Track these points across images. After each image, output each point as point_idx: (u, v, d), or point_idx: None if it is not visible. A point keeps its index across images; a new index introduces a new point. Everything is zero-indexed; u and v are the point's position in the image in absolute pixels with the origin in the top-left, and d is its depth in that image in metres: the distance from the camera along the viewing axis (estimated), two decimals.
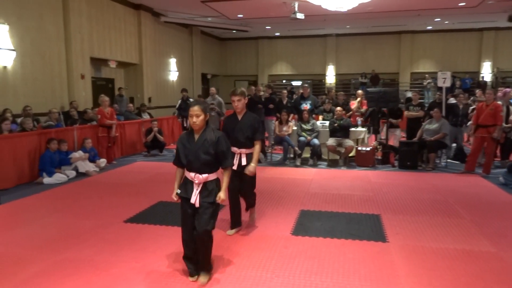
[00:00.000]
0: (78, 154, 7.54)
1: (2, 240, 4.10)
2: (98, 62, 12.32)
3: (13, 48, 8.82)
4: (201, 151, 3.08)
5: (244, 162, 4.10)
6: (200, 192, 3.09)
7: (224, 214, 4.51)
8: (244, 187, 4.23)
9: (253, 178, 4.23)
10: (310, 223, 4.60)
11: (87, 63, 11.11)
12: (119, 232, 4.31)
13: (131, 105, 12.05)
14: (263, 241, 4.03)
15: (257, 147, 4.14)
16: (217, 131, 3.20)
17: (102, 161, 8.15)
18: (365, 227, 4.48)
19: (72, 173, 7.20)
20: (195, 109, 3.07)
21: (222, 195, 3.13)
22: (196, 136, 3.15)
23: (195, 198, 3.08)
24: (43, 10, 9.66)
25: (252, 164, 4.04)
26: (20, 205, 5.49)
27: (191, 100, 12.92)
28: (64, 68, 10.42)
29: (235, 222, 4.32)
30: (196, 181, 3.09)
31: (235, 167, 3.99)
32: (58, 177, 6.90)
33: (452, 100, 9.77)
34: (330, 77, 20.77)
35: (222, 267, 3.44)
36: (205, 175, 3.10)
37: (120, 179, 7.07)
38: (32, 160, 6.97)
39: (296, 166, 8.17)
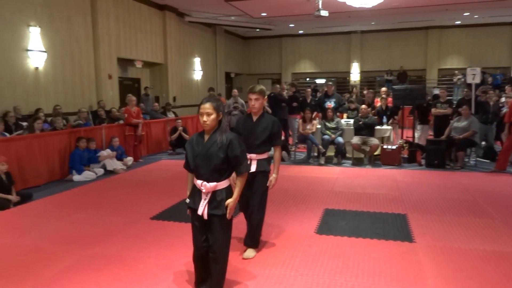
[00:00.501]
0: (106, 152, 7.74)
1: (35, 235, 4.27)
2: (124, 62, 12.60)
3: (44, 50, 9.13)
4: (210, 155, 2.70)
5: (253, 168, 3.53)
6: (208, 203, 2.72)
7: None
8: (251, 199, 3.58)
9: (264, 190, 3.61)
10: (334, 222, 4.57)
11: (114, 63, 11.38)
12: (145, 229, 4.40)
13: (156, 104, 12.28)
14: (287, 240, 4.03)
15: (277, 154, 3.69)
16: (230, 133, 2.79)
17: (129, 159, 8.34)
18: (391, 226, 4.41)
19: (100, 171, 7.40)
20: (206, 107, 2.69)
21: (230, 203, 2.72)
22: (206, 138, 2.77)
23: (202, 209, 2.72)
24: (72, 12, 9.95)
25: (274, 175, 3.63)
26: (52, 201, 5.69)
27: None
28: (93, 69, 10.72)
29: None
30: (204, 190, 2.72)
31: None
32: (87, 174, 7.10)
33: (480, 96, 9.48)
34: (355, 75, 20.51)
35: (246, 264, 3.47)
36: (213, 184, 2.71)
37: (146, 177, 7.22)
38: (63, 158, 7.20)
39: (320, 164, 8.12)
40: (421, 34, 19.28)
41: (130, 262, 3.54)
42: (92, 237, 4.16)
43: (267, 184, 3.57)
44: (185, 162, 2.87)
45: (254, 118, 3.65)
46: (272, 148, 3.75)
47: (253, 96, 3.56)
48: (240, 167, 2.76)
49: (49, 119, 8.47)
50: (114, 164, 7.71)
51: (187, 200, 2.83)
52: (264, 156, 3.64)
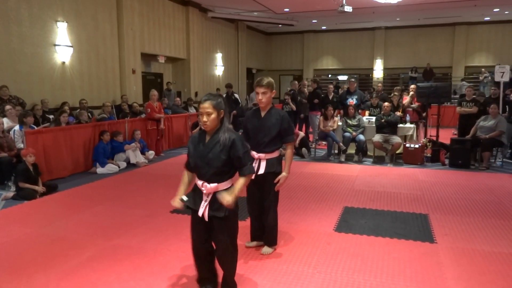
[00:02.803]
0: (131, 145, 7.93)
1: (61, 225, 4.40)
2: (148, 58, 12.77)
3: (71, 45, 9.35)
4: (211, 156, 2.58)
5: (262, 170, 3.34)
6: (209, 204, 2.61)
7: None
8: (265, 202, 3.46)
9: (276, 191, 3.46)
10: (354, 220, 4.53)
11: (138, 58, 11.56)
12: (166, 222, 4.47)
13: (178, 99, 12.41)
14: (306, 237, 4.02)
15: (288, 152, 3.42)
16: (232, 132, 2.62)
17: (151, 153, 8.47)
18: (411, 226, 4.35)
19: (123, 164, 7.56)
20: (206, 106, 2.53)
21: (228, 197, 2.54)
22: (208, 138, 2.63)
23: (202, 211, 2.61)
24: (98, 8, 10.15)
25: (284, 174, 3.34)
26: (76, 193, 5.84)
27: (236, 95, 13.11)
28: (117, 64, 10.91)
29: (255, 236, 3.75)
30: (205, 191, 2.61)
31: (253, 176, 3.22)
32: (110, 167, 7.26)
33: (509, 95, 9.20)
34: (378, 72, 20.19)
35: (264, 260, 3.48)
36: (214, 185, 2.59)
37: (167, 170, 7.32)
38: (87, 151, 7.38)
39: (341, 162, 8.05)
40: (448, 30, 18.80)
41: (150, 254, 3.61)
42: (114, 229, 4.26)
43: (274, 181, 3.31)
44: (187, 161, 2.75)
45: (262, 113, 3.39)
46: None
47: (260, 90, 3.28)
48: (243, 168, 2.62)
49: (74, 112, 8.68)
50: (137, 157, 7.85)
51: (184, 198, 2.67)
52: (274, 155, 3.37)
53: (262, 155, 3.34)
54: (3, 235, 4.11)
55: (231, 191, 2.59)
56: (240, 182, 2.62)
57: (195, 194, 2.69)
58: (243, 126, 3.55)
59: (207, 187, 2.59)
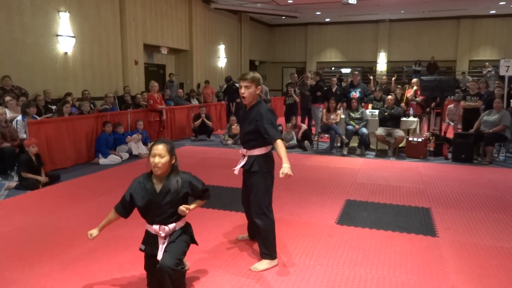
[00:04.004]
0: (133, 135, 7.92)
1: (63, 215, 4.42)
2: (150, 49, 12.74)
3: (73, 35, 9.32)
4: (166, 203, 2.53)
5: (241, 165, 3.19)
6: (167, 244, 2.58)
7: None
8: (251, 202, 3.19)
9: (259, 185, 3.10)
10: (356, 213, 4.53)
11: (140, 49, 11.52)
12: None
13: (180, 90, 12.39)
14: (307, 229, 4.02)
15: (278, 145, 2.97)
16: (184, 173, 2.63)
17: None
18: (413, 220, 4.34)
19: (126, 155, 7.57)
20: (160, 148, 2.48)
21: (184, 208, 2.56)
22: (158, 186, 2.56)
23: (162, 254, 2.54)
24: None
25: (285, 165, 2.91)
26: (78, 183, 5.86)
27: (236, 85, 13.08)
28: (119, 54, 10.88)
29: (250, 233, 3.65)
30: (163, 235, 2.55)
31: (236, 172, 3.26)
32: (113, 158, 7.27)
33: None
34: (381, 65, 20.10)
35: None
36: (172, 225, 2.58)
37: None
38: (89, 142, 7.39)
39: (343, 155, 8.04)
40: (453, 23, 18.66)
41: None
42: (117, 220, 4.25)
43: (280, 176, 2.91)
44: (121, 204, 2.67)
45: (247, 109, 3.22)
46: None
47: (242, 83, 3.10)
48: (203, 196, 2.73)
49: (77, 103, 8.68)
50: (139, 148, 7.86)
51: (142, 247, 2.69)
52: (253, 152, 3.13)
53: (243, 150, 3.22)
54: (6, 224, 4.13)
55: (190, 206, 2.63)
56: (197, 202, 2.73)
57: (149, 240, 2.65)
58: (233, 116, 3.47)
59: (166, 230, 2.57)
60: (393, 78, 11.51)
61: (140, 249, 2.71)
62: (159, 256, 2.53)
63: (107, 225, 2.76)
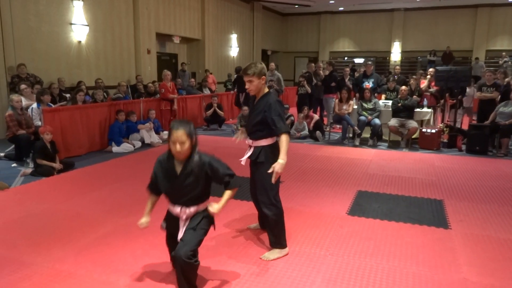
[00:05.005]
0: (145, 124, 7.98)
1: (78, 202, 4.49)
2: (163, 38, 12.75)
3: (86, 24, 9.37)
4: (187, 185, 2.48)
5: (248, 156, 3.20)
6: (186, 229, 2.55)
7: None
8: (257, 192, 3.22)
9: (265, 176, 3.03)
10: (367, 204, 4.51)
11: (153, 38, 11.54)
12: None
13: (192, 80, 12.41)
14: (319, 219, 4.03)
15: (282, 138, 3.00)
16: (203, 155, 2.53)
17: (165, 133, 8.53)
18: (426, 211, 4.31)
19: (138, 144, 7.64)
20: (179, 135, 2.40)
21: (215, 208, 2.52)
22: (179, 168, 2.50)
23: (182, 235, 2.53)
24: None
25: (280, 161, 2.92)
26: (92, 171, 5.94)
27: None
28: (132, 43, 10.92)
29: (260, 221, 3.68)
30: (184, 217, 2.53)
31: (243, 162, 3.26)
32: (126, 146, 7.35)
33: None
34: (395, 55, 19.81)
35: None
36: (193, 208, 2.53)
37: None
38: (103, 130, 7.47)
39: (355, 146, 7.99)
40: (470, 12, 18.25)
41: (164, 232, 3.66)
42: (130, 206, 4.32)
43: (269, 171, 2.94)
44: (151, 184, 2.65)
45: (256, 100, 3.23)
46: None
47: (245, 78, 3.12)
48: (228, 185, 2.55)
49: (90, 91, 8.76)
50: (151, 137, 7.92)
51: (164, 225, 2.69)
52: (260, 143, 3.14)
53: (250, 141, 3.21)
54: (22, 209, 4.22)
55: (220, 203, 2.54)
56: (227, 195, 2.56)
57: (171, 219, 2.62)
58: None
59: (186, 212, 2.52)
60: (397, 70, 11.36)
61: (161, 227, 2.70)
62: (179, 237, 2.52)
63: (152, 207, 2.75)
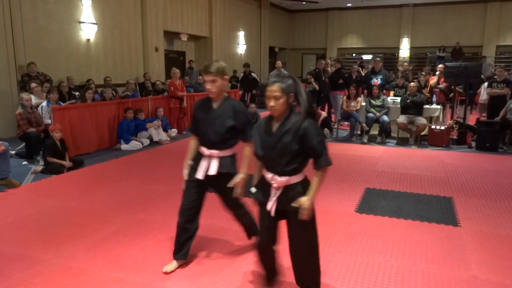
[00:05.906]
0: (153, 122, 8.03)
1: (87, 199, 4.54)
2: (170, 36, 12.77)
3: (95, 22, 9.42)
4: (281, 147, 2.27)
5: (213, 170, 2.79)
6: (278, 199, 2.35)
7: None
8: (225, 205, 3.04)
9: (234, 197, 2.83)
10: (375, 202, 4.50)
11: (160, 36, 11.57)
12: None
13: (200, 77, 12.40)
14: (327, 217, 4.02)
15: (247, 149, 2.79)
16: (304, 118, 2.26)
17: (173, 131, 8.57)
18: (435, 209, 4.28)
19: (147, 141, 7.68)
20: (273, 90, 2.22)
21: (306, 202, 2.28)
22: (275, 126, 2.31)
23: (271, 205, 2.35)
24: None
25: (241, 175, 2.80)
26: (101, 168, 5.99)
27: (253, 75, 13.02)
28: (140, 41, 10.97)
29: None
30: (275, 185, 2.33)
31: (200, 176, 2.83)
32: (134, 144, 7.39)
33: None
34: (404, 51, 19.62)
35: (282, 238, 3.50)
36: (285, 178, 2.30)
37: None
38: (111, 128, 7.52)
39: (363, 143, 7.95)
40: (480, 7, 17.99)
41: (173, 229, 3.65)
42: (139, 204, 4.36)
43: (229, 185, 2.75)
44: (255, 149, 2.42)
45: (214, 104, 2.80)
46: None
47: (207, 78, 2.69)
48: (319, 160, 2.27)
49: (99, 90, 8.82)
50: (160, 135, 7.96)
51: (253, 190, 2.48)
52: (228, 152, 2.84)
53: (214, 151, 2.80)
54: (33, 207, 4.27)
55: (308, 195, 2.30)
56: (316, 181, 2.31)
57: (263, 186, 2.42)
58: (192, 115, 3.00)
59: (278, 180, 2.31)
60: (410, 68, 11.25)
61: (250, 193, 2.49)
62: (269, 206, 2.36)
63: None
